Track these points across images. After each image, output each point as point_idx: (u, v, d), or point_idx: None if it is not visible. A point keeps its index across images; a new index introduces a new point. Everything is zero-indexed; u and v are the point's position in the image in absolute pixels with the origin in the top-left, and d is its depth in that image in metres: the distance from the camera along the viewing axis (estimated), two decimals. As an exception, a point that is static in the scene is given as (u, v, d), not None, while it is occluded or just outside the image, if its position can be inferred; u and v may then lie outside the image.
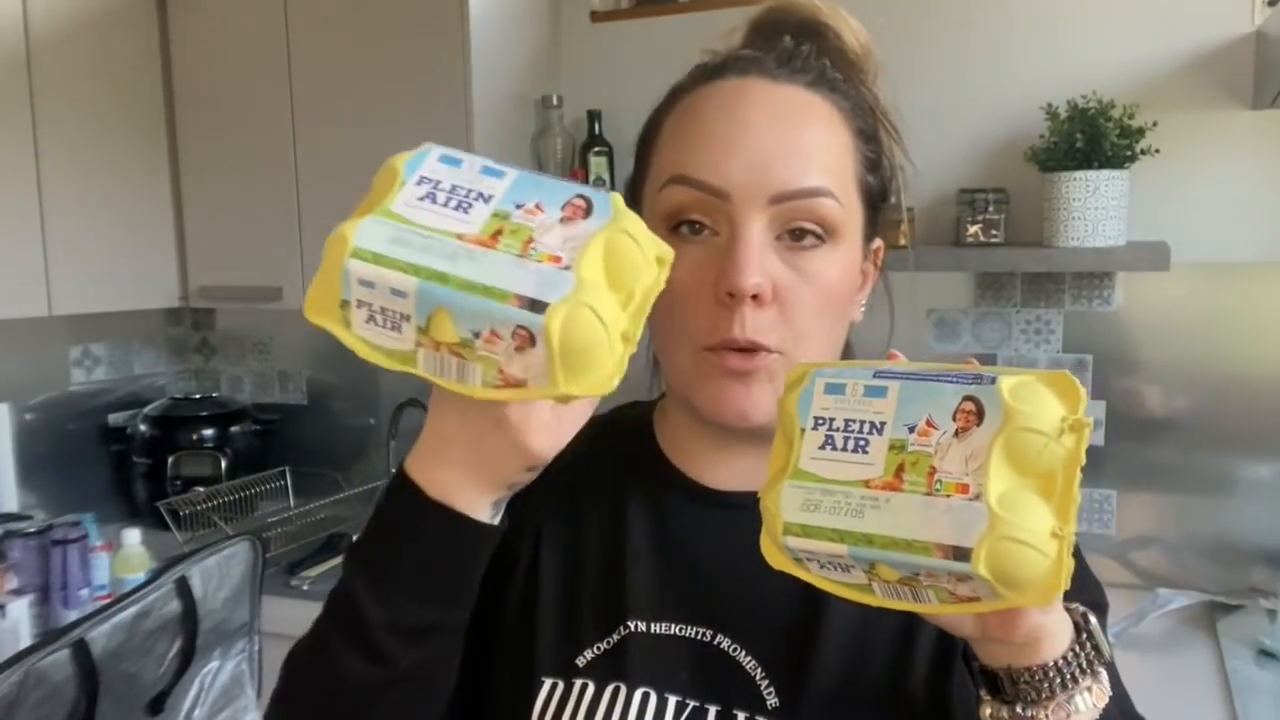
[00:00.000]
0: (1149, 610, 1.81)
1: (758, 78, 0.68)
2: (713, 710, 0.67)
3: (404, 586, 0.60)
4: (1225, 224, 1.91)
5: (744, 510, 0.72)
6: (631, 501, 0.75)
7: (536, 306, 0.48)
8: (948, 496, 0.48)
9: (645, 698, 0.68)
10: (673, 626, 0.70)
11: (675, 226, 0.67)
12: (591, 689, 0.69)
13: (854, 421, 0.52)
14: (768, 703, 0.67)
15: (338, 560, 2.22)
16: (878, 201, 0.73)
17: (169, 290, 2.43)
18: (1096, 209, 1.78)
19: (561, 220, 0.51)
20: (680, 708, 0.68)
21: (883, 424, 0.52)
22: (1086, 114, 1.80)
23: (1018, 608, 0.51)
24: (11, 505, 2.30)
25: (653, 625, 0.70)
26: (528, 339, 0.49)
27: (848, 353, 0.76)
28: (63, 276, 2.16)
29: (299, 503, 2.50)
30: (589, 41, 2.33)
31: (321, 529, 2.38)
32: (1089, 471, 1.93)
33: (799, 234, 0.66)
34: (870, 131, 0.72)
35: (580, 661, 0.70)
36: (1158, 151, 1.81)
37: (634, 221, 0.53)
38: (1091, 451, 1.96)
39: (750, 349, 0.65)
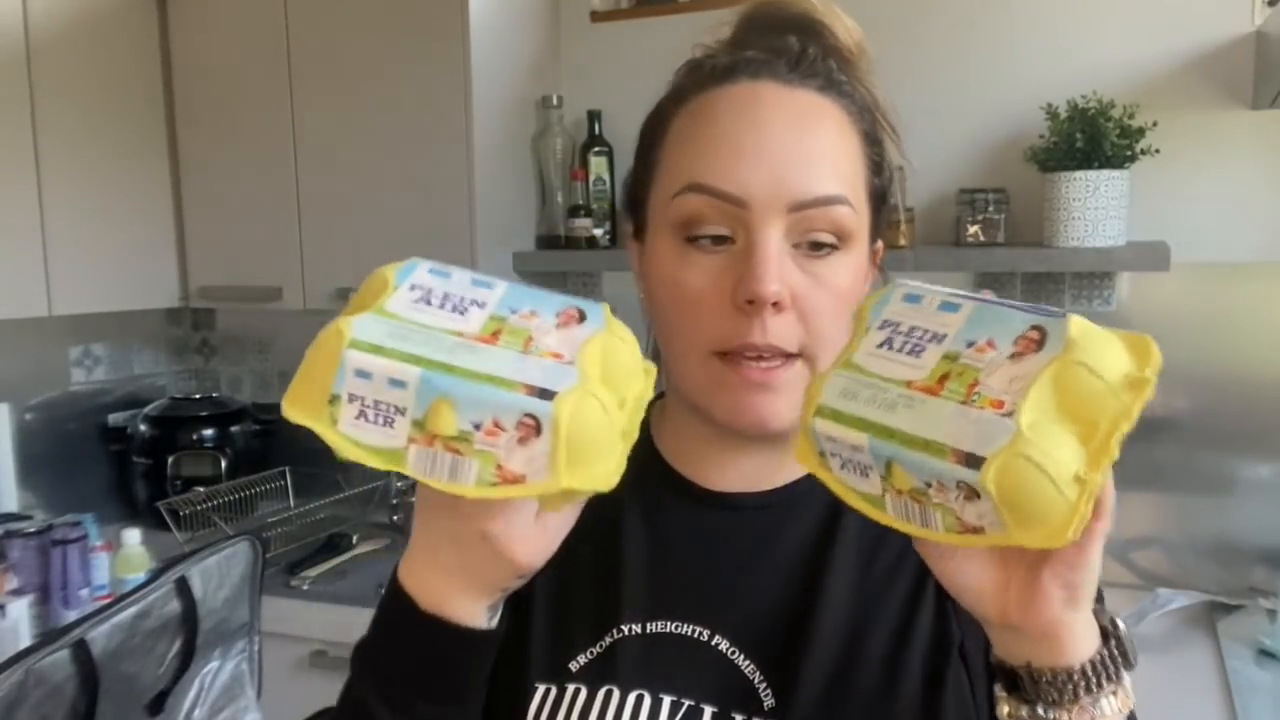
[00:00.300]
0: (1149, 610, 1.81)
1: (770, 81, 0.67)
2: (709, 710, 0.67)
3: (412, 691, 0.62)
4: (1225, 224, 1.91)
5: (743, 511, 0.73)
6: (627, 503, 0.75)
7: (545, 395, 0.47)
8: (981, 409, 0.47)
9: (639, 700, 0.67)
10: (668, 625, 0.70)
11: (689, 234, 0.67)
12: (584, 693, 0.68)
13: (919, 329, 0.52)
14: (764, 703, 0.67)
15: (338, 560, 2.22)
16: (880, 203, 0.73)
17: (169, 290, 2.43)
18: (1096, 209, 1.78)
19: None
20: (675, 708, 0.67)
21: (944, 335, 0.51)
22: (1086, 114, 1.79)
23: (1022, 548, 0.49)
24: (11, 505, 2.30)
25: (648, 625, 0.70)
26: (533, 429, 0.48)
27: None
28: (63, 276, 2.16)
29: (299, 503, 2.50)
30: (589, 41, 2.33)
31: (321, 529, 2.38)
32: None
33: (816, 243, 0.66)
34: (874, 134, 0.72)
35: (573, 666, 0.70)
36: (1158, 151, 1.81)
37: (625, 330, 0.53)
38: (1091, 451, 1.88)
39: (770, 355, 0.65)
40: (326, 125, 2.22)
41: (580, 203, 2.22)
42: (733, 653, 0.69)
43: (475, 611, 0.60)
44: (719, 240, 0.66)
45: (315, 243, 2.27)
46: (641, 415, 0.52)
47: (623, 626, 0.70)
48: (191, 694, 1.54)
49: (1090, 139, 1.78)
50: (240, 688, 1.63)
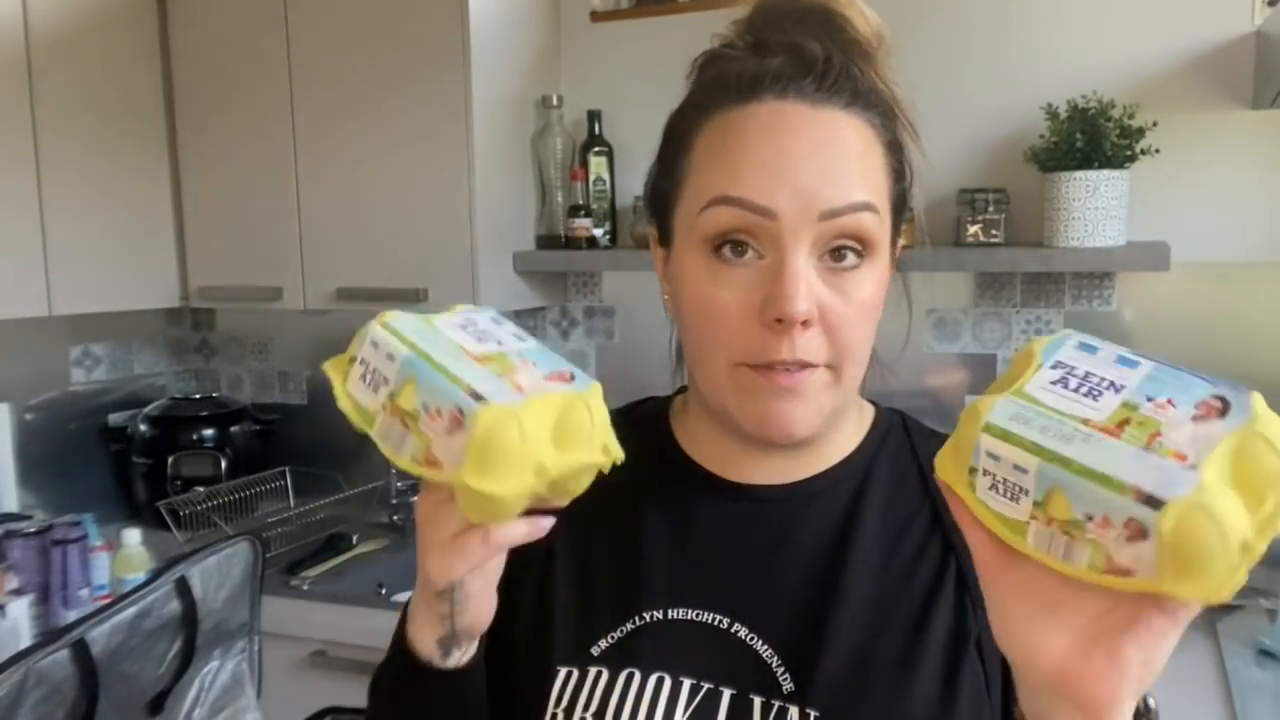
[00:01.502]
0: (1149, 610, 1.80)
1: (796, 101, 0.68)
2: (727, 693, 0.69)
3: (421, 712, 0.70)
4: (1225, 224, 1.91)
5: (764, 502, 0.75)
6: (649, 495, 0.77)
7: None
8: (1163, 457, 0.48)
9: (660, 682, 0.70)
10: (689, 612, 0.72)
11: (718, 247, 0.67)
12: (605, 675, 0.70)
13: (1095, 375, 0.53)
14: (783, 687, 0.69)
15: (338, 560, 2.22)
16: (901, 208, 0.74)
17: (169, 290, 2.43)
18: (1096, 209, 1.78)
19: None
20: (695, 690, 0.69)
21: (1123, 386, 0.52)
22: (1086, 114, 1.79)
23: (1168, 599, 0.48)
24: (11, 505, 2.30)
25: (669, 611, 0.72)
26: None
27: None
28: (63, 276, 2.16)
29: (299, 503, 2.50)
30: (589, 41, 2.33)
31: (321, 529, 2.38)
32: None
33: (840, 254, 0.67)
34: (896, 140, 0.73)
35: (595, 650, 0.72)
36: (1158, 151, 1.81)
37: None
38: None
39: (798, 367, 0.67)
40: (326, 125, 2.22)
41: (580, 202, 2.22)
42: (751, 639, 0.71)
43: (426, 643, 0.67)
44: (745, 252, 0.67)
45: (315, 243, 2.27)
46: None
47: (644, 613, 0.72)
48: (191, 694, 1.54)
49: (1090, 139, 1.78)
50: (240, 688, 1.63)
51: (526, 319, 2.44)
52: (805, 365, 0.67)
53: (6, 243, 2.07)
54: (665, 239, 0.75)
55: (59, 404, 2.46)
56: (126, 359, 2.65)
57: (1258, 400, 0.50)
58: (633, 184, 2.26)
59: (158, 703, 1.47)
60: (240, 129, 2.31)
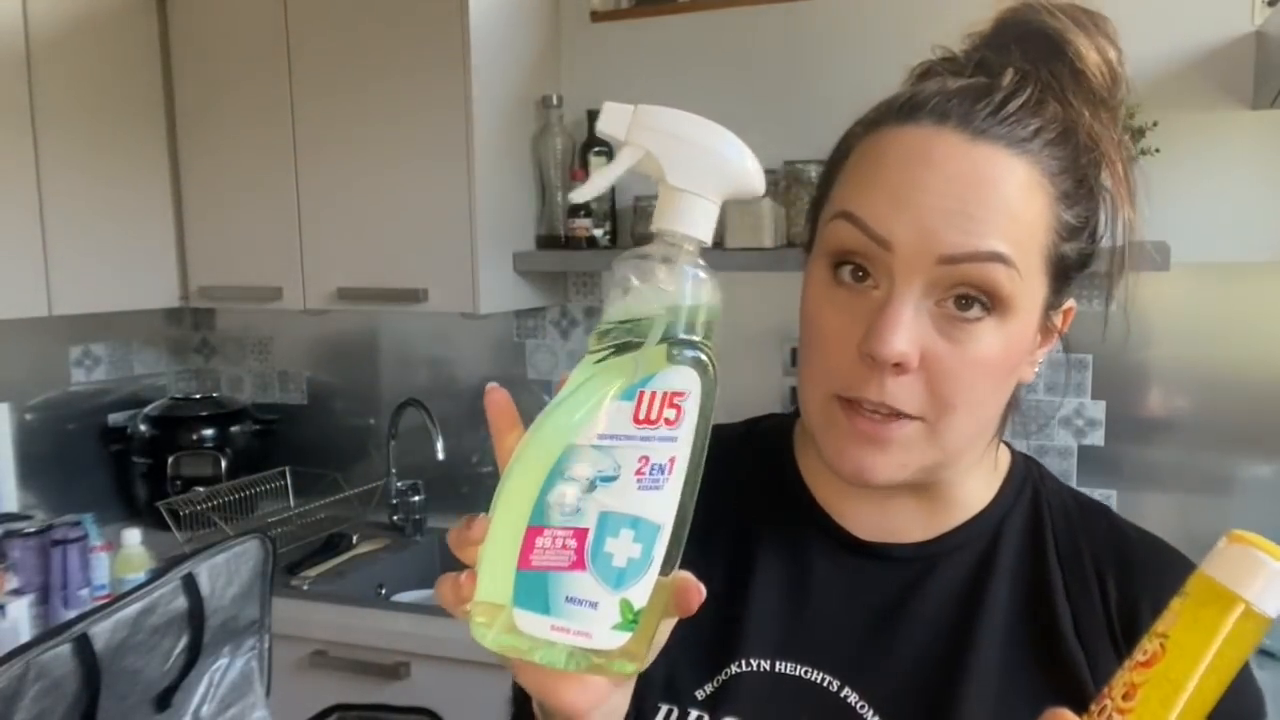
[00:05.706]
0: (1149, 610, 1.81)
1: (954, 131, 0.62)
2: None
3: None
4: (1225, 224, 1.91)
5: (889, 561, 0.71)
6: (765, 532, 0.73)
7: None
8: None
9: None
10: (798, 669, 0.69)
11: (837, 265, 0.64)
12: None
13: None
14: None
15: (338, 560, 2.22)
16: (1073, 272, 0.67)
17: (169, 290, 2.42)
18: (1096, 209, 1.78)
19: None
20: None
21: None
22: (1086, 114, 1.79)
23: None
24: (11, 505, 2.30)
25: (776, 664, 0.69)
26: None
27: (1011, 409, 0.72)
28: (63, 276, 2.16)
29: (299, 503, 2.50)
30: (589, 41, 2.33)
31: (321, 529, 2.39)
32: (1090, 471, 1.91)
33: (963, 302, 0.61)
34: (1080, 193, 0.66)
35: (698, 693, 0.69)
36: (1158, 151, 1.81)
37: None
38: (1091, 451, 1.97)
39: (886, 414, 0.62)
40: (326, 125, 2.22)
41: (580, 202, 2.22)
42: (862, 708, 0.67)
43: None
44: (863, 277, 0.63)
45: (315, 243, 2.27)
46: None
47: (749, 660, 0.69)
48: (200, 690, 1.54)
49: (1090, 139, 1.78)
50: (249, 685, 1.63)
51: (527, 319, 2.44)
52: (894, 415, 0.62)
53: (6, 243, 2.07)
54: (809, 246, 0.72)
55: (59, 404, 2.46)
56: (126, 359, 2.65)
57: None
58: (633, 184, 2.26)
59: (165, 698, 1.47)
60: (240, 129, 2.31)
